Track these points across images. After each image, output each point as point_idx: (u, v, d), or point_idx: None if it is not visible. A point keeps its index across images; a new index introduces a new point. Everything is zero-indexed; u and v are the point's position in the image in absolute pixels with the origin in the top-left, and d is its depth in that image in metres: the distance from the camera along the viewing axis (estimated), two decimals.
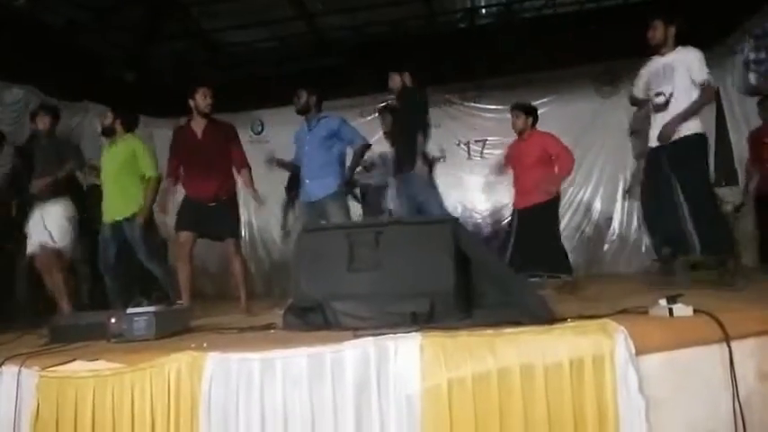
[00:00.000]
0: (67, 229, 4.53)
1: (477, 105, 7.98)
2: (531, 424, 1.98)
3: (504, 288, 2.65)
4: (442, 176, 8.01)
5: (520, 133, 4.96)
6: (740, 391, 2.06)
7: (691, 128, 3.80)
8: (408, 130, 4.63)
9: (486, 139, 7.95)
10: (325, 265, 2.83)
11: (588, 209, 7.57)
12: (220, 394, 2.19)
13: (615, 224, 7.45)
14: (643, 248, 7.30)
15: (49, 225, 4.44)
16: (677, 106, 3.82)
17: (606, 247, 7.43)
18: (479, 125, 7.99)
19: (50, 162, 4.55)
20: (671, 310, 2.24)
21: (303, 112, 4.72)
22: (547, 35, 6.96)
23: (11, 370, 2.39)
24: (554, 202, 4.82)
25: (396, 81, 4.81)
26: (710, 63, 6.88)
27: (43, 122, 4.67)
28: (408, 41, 7.39)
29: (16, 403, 2.34)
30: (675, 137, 3.82)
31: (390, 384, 2.10)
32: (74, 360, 2.40)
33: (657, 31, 3.98)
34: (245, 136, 8.34)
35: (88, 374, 2.32)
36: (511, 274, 2.84)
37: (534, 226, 4.73)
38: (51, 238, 4.43)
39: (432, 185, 4.88)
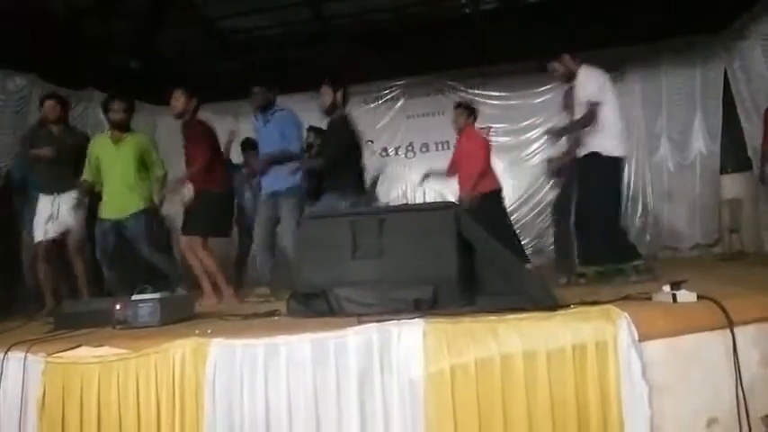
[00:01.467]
0: (83, 217, 4.64)
1: (482, 92, 7.93)
2: (534, 410, 1.99)
3: (507, 274, 2.65)
4: (445, 163, 8.05)
5: (460, 130, 5.51)
6: (743, 377, 2.05)
7: (592, 147, 3.85)
8: (331, 160, 4.37)
9: (491, 127, 7.91)
10: (329, 251, 2.84)
11: None
12: (225, 380, 2.21)
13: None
14: (647, 238, 7.29)
15: (72, 214, 4.55)
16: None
17: None
18: (484, 112, 7.89)
19: (65, 151, 4.58)
20: (674, 296, 2.24)
21: (263, 108, 4.64)
22: (552, 21, 6.89)
23: (17, 356, 2.42)
24: (484, 198, 5.11)
25: (328, 96, 4.45)
26: (717, 47, 6.91)
27: (53, 111, 4.65)
28: (412, 27, 7.34)
29: (23, 389, 2.36)
30: (583, 153, 3.93)
31: (393, 370, 2.11)
32: (79, 346, 2.42)
33: (560, 67, 4.12)
34: (248, 124, 8.38)
35: (94, 360, 2.34)
36: (514, 261, 2.84)
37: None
38: (77, 225, 4.55)
39: None
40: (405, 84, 8.08)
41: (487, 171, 5.31)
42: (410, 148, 8.17)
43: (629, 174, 7.37)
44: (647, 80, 7.39)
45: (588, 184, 3.85)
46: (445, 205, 2.92)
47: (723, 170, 7.07)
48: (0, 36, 5.61)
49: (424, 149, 8.13)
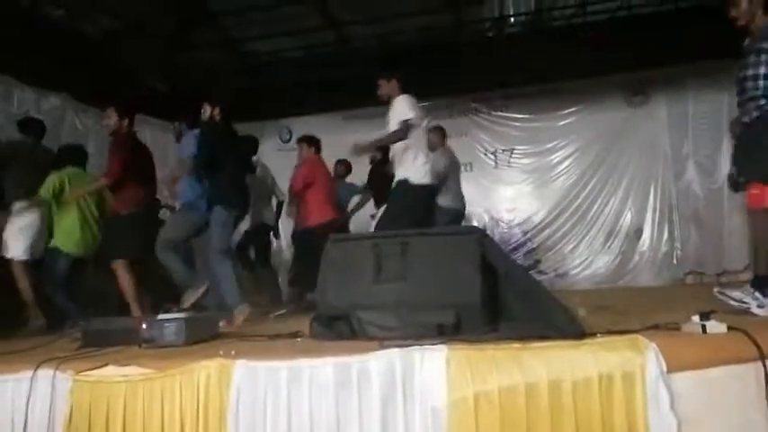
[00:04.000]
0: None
1: (505, 114, 7.95)
2: None
3: (531, 301, 2.62)
4: (468, 185, 8.05)
5: (303, 161, 5.66)
6: None
7: (399, 174, 4.16)
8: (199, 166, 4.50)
9: (514, 148, 7.92)
10: (352, 274, 2.85)
11: (617, 219, 7.46)
12: (248, 401, 2.22)
13: (646, 235, 7.33)
14: (674, 260, 7.18)
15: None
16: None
17: (636, 258, 7.30)
18: (507, 134, 7.96)
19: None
20: (704, 327, 2.19)
21: (177, 139, 4.97)
22: (576, 44, 6.90)
23: (46, 373, 2.45)
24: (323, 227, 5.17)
25: (206, 112, 4.53)
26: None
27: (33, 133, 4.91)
28: (436, 50, 7.40)
29: (50, 406, 2.40)
30: (395, 179, 4.22)
31: (416, 396, 2.10)
32: (106, 365, 2.45)
33: (381, 88, 4.31)
34: (273, 144, 8.51)
35: (120, 379, 2.37)
36: (539, 287, 2.81)
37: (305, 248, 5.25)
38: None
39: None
40: (428, 105, 8.08)
41: (327, 201, 5.47)
42: None
43: (654, 197, 7.34)
44: (672, 103, 7.33)
45: (393, 208, 4.17)
46: (469, 230, 2.91)
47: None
48: (35, 57, 5.79)
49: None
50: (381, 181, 5.86)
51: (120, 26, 6.83)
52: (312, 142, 5.67)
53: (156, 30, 7.01)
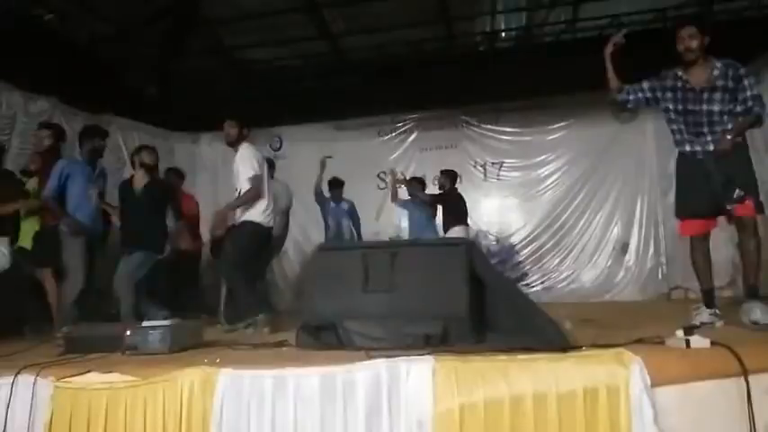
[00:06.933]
0: None
1: (495, 128, 7.99)
2: None
3: (518, 313, 2.64)
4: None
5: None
6: (757, 426, 2.02)
7: (244, 216, 4.27)
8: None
9: (503, 162, 7.96)
10: (340, 284, 2.85)
11: (604, 234, 7.50)
12: (232, 410, 2.20)
13: (632, 250, 7.37)
14: (660, 276, 7.22)
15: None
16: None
17: (622, 273, 7.34)
18: (496, 147, 8.01)
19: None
20: (688, 342, 2.21)
21: None
22: (566, 59, 6.96)
23: (27, 379, 2.42)
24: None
25: (144, 171, 4.60)
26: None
27: None
28: (428, 62, 7.45)
29: (30, 412, 2.36)
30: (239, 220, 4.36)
31: (402, 407, 2.09)
32: (89, 371, 2.43)
33: (228, 132, 4.39)
34: (263, 152, 8.49)
35: (102, 386, 2.34)
36: (526, 300, 2.83)
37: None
38: None
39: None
40: (419, 117, 8.16)
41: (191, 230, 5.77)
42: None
43: (640, 212, 7.39)
44: (660, 119, 7.35)
45: (231, 246, 4.27)
46: (457, 242, 2.92)
47: None
48: (24, 60, 5.76)
49: (436, 182, 8.16)
50: (452, 206, 6.45)
51: (113, 31, 6.81)
52: (179, 175, 6.02)
53: (149, 36, 6.99)
